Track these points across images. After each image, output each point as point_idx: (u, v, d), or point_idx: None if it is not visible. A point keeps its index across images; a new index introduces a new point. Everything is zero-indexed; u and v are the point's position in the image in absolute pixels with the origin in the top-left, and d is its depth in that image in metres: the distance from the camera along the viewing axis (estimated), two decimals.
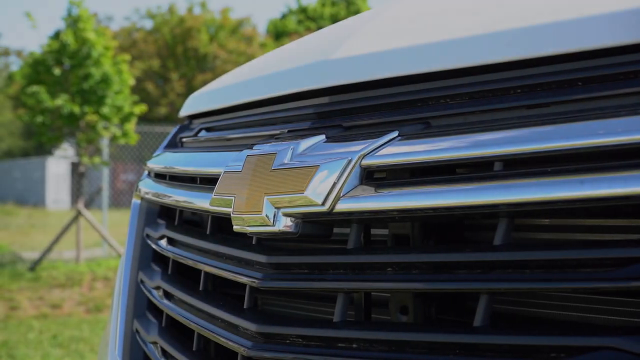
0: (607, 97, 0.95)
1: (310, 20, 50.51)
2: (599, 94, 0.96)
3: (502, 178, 0.97)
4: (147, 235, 1.91)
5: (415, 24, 1.32)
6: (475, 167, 1.11)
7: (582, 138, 0.91)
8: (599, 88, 0.96)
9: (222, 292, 1.63)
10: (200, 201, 1.57)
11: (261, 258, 1.30)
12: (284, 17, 52.58)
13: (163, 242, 1.79)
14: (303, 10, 52.10)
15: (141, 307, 1.87)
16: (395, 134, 1.14)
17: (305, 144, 1.25)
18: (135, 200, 2.05)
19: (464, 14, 1.25)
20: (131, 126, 13.04)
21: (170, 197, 1.77)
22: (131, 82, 13.17)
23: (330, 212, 1.15)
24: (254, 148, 1.37)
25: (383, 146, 1.14)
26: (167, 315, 1.71)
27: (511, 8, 1.15)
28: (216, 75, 34.29)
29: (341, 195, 1.14)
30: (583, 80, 0.99)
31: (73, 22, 12.75)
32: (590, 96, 0.97)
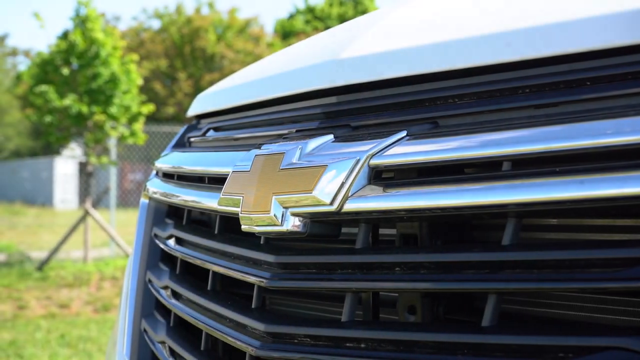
0: (615, 97, 0.95)
1: (317, 20, 50.52)
2: (607, 93, 0.96)
3: (511, 178, 0.97)
4: (155, 235, 1.91)
5: (422, 23, 1.32)
6: (484, 166, 1.11)
7: (591, 138, 0.91)
8: (607, 88, 0.96)
9: (230, 292, 1.63)
10: (208, 201, 1.57)
11: (269, 258, 1.30)
12: (291, 17, 52.58)
13: (171, 242, 1.79)
14: (310, 10, 52.11)
15: (149, 306, 1.87)
16: (403, 133, 1.14)
17: (314, 143, 1.25)
18: (144, 200, 2.05)
19: (472, 13, 1.25)
20: (139, 126, 13.06)
21: (178, 196, 1.77)
22: (139, 82, 13.18)
23: (338, 212, 1.15)
24: (262, 148, 1.37)
25: (391, 146, 1.14)
26: (175, 315, 1.71)
27: (520, 8, 1.15)
28: (224, 75, 34.30)
29: (349, 195, 1.14)
30: (591, 80, 0.99)
31: (81, 22, 12.77)
32: (599, 96, 0.97)
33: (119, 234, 14.01)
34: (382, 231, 1.35)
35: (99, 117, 12.53)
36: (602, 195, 0.88)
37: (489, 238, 1.23)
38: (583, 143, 0.91)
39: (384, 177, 1.17)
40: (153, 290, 1.83)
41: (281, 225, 1.23)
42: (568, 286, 0.92)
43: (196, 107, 2.05)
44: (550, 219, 1.14)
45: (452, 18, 1.28)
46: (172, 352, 1.63)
